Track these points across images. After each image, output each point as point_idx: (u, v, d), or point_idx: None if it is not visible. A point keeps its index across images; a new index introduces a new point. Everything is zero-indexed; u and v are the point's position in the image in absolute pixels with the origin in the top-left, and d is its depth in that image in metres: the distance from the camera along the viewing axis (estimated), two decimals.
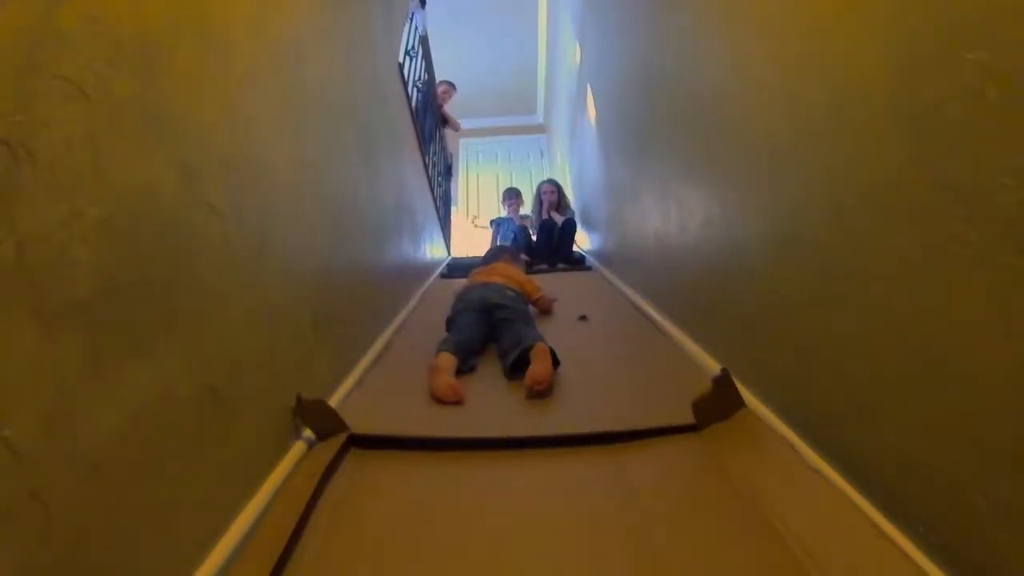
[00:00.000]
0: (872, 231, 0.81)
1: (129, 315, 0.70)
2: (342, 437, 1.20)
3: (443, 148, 5.33)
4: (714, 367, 1.39)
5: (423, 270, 3.37)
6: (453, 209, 6.08)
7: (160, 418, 0.74)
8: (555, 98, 6.36)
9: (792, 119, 1.04)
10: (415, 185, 3.33)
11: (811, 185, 0.98)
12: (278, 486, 1.02)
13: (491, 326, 1.97)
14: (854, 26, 0.83)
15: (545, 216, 4.62)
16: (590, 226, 4.23)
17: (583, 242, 4.57)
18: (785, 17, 1.05)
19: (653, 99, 2.12)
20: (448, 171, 5.53)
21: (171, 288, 0.79)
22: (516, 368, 1.65)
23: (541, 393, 1.50)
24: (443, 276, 3.79)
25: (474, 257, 4.55)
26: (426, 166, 3.94)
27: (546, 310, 2.46)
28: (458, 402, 1.48)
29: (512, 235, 4.87)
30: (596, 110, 3.58)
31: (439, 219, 4.54)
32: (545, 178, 5.23)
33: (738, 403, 1.23)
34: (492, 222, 5.56)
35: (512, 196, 5.47)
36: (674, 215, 1.87)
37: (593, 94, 3.65)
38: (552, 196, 4.70)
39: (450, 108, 5.61)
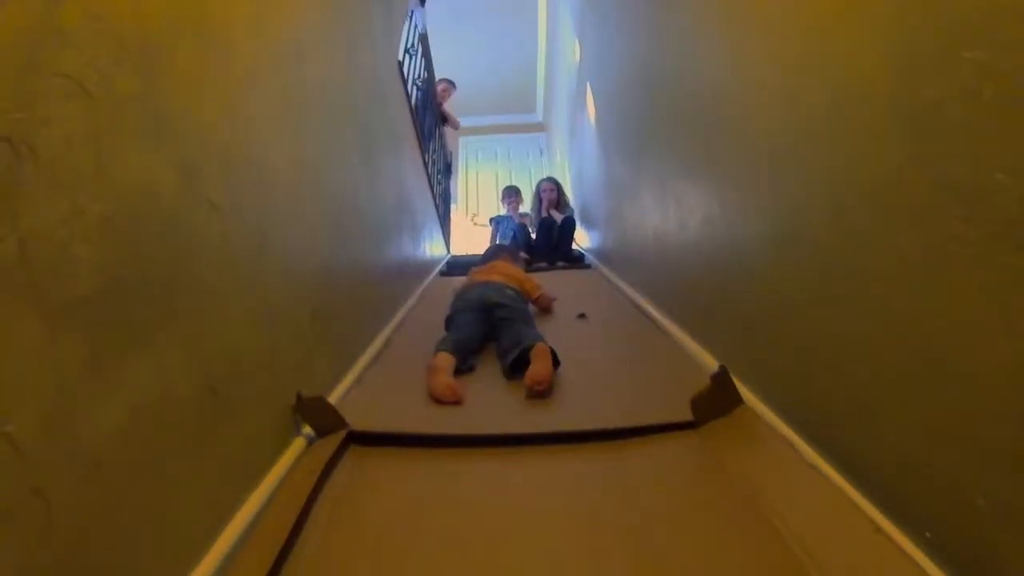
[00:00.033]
0: (872, 231, 0.81)
1: (130, 312, 0.70)
2: (342, 434, 1.20)
3: (443, 146, 5.33)
4: (713, 365, 1.39)
5: (423, 268, 3.37)
6: (452, 207, 6.08)
7: (161, 415, 0.74)
8: (555, 96, 6.36)
9: (792, 119, 1.04)
10: (415, 183, 3.33)
11: (811, 185, 0.98)
12: (278, 482, 1.02)
13: (490, 325, 1.95)
14: (854, 26, 0.83)
15: (544, 214, 4.63)
16: (589, 224, 4.23)
17: (582, 240, 4.57)
18: (785, 17, 1.05)
19: (653, 98, 2.12)
20: (448, 169, 5.53)
21: (171, 286, 0.79)
22: (516, 368, 1.64)
23: (541, 394, 1.49)
24: (442, 274, 3.80)
25: (474, 255, 4.55)
26: (426, 164, 3.94)
27: (546, 309, 2.45)
28: (457, 402, 1.47)
29: (511, 233, 4.87)
30: (596, 108, 3.58)
31: (439, 217, 4.55)
32: (544, 176, 5.23)
33: (736, 400, 1.23)
34: (491, 220, 5.56)
35: (511, 194, 5.47)
36: (673, 214, 1.87)
37: (593, 92, 3.65)
38: (551, 194, 4.70)
39: (450, 106, 5.61)
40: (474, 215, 7.11)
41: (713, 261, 1.51)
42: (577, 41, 4.21)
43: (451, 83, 5.57)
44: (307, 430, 1.21)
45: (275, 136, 1.22)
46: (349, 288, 1.74)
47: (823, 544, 0.81)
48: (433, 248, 3.99)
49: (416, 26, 3.95)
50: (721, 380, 1.23)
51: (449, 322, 2.05)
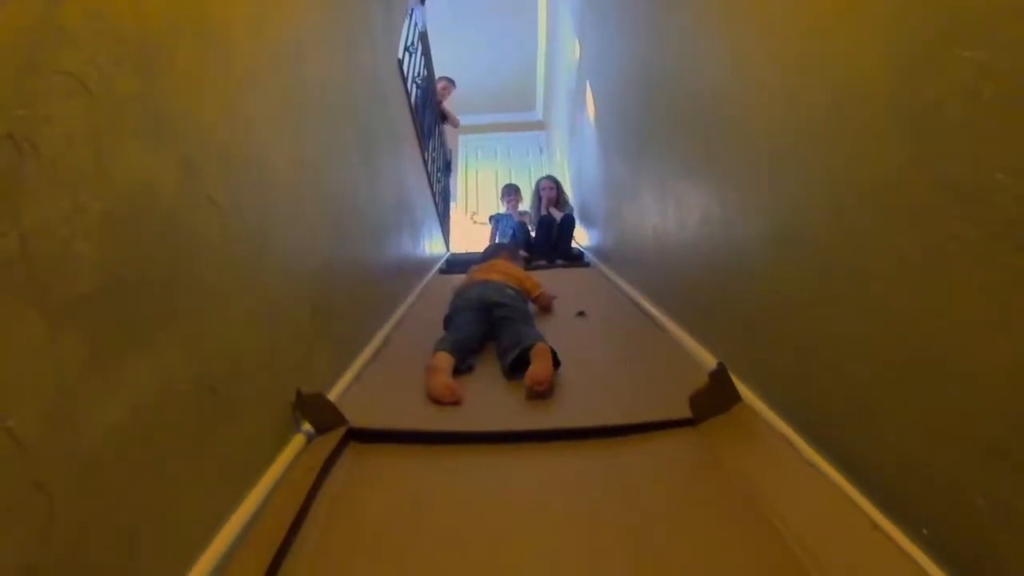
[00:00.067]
0: (871, 230, 0.81)
1: (130, 310, 0.70)
2: (341, 431, 1.20)
3: (442, 144, 5.33)
4: (711, 363, 1.39)
5: (422, 266, 3.38)
6: (452, 205, 6.09)
7: (161, 412, 0.74)
8: (554, 95, 6.36)
9: (792, 119, 1.04)
10: (414, 181, 3.33)
11: (811, 185, 0.98)
12: (278, 479, 1.02)
13: (490, 324, 1.94)
14: (854, 26, 0.84)
15: (544, 212, 4.63)
16: (589, 222, 4.23)
17: (582, 238, 4.57)
18: (785, 17, 1.05)
19: (652, 97, 2.13)
20: (447, 167, 5.53)
21: (172, 284, 0.80)
22: (515, 368, 1.62)
23: (541, 394, 1.47)
24: (442, 272, 3.80)
25: (473, 253, 4.56)
26: (425, 162, 3.94)
27: (546, 307, 2.43)
28: (456, 402, 1.46)
29: (511, 231, 4.87)
30: (595, 107, 3.58)
31: (438, 215, 4.55)
32: (544, 174, 5.23)
33: (734, 398, 1.23)
34: (491, 218, 5.57)
35: (511, 192, 5.46)
36: (673, 213, 1.87)
37: (592, 91, 3.65)
38: (551, 192, 4.70)
39: (449, 104, 5.61)
40: (474, 213, 7.11)
41: (712, 260, 1.51)
42: (577, 40, 4.21)
43: (451, 81, 5.57)
44: (307, 427, 1.21)
45: (275, 135, 1.22)
46: (349, 286, 1.74)
47: (821, 541, 0.82)
48: (432, 246, 3.99)
49: (416, 24, 3.94)
50: (719, 378, 1.23)
51: (448, 321, 2.03)
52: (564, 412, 1.39)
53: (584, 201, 4.42)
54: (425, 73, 4.34)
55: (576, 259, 4.27)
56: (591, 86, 3.69)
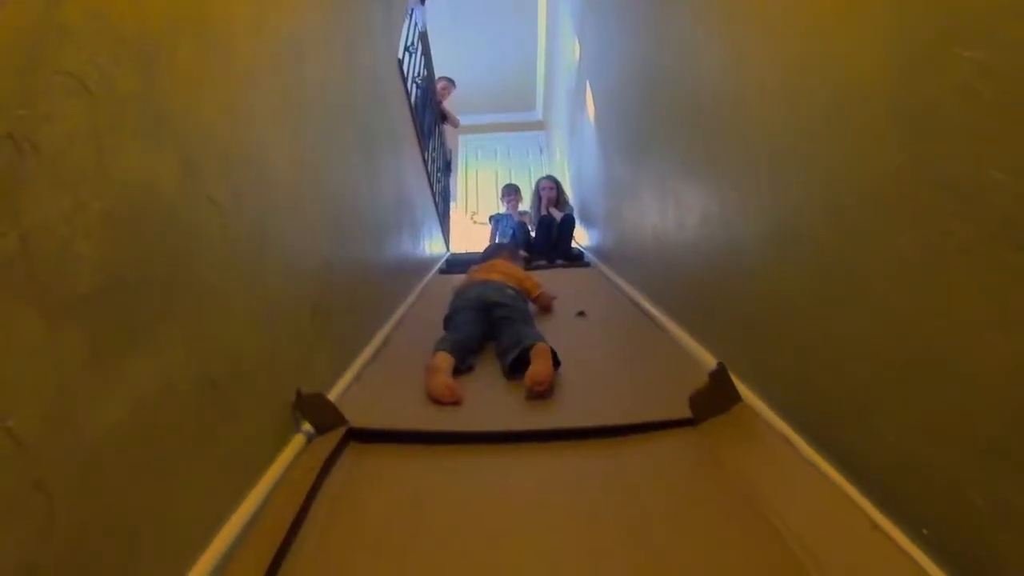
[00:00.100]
0: (871, 230, 0.81)
1: (131, 309, 0.70)
2: (341, 431, 1.20)
3: (442, 144, 5.33)
4: (711, 363, 1.39)
5: (422, 266, 3.38)
6: (452, 205, 6.08)
7: (161, 411, 0.74)
8: (554, 95, 6.36)
9: (791, 119, 1.04)
10: (414, 181, 3.33)
11: (810, 185, 0.98)
12: (278, 478, 1.03)
13: (490, 324, 1.93)
14: (853, 26, 0.84)
15: (544, 212, 4.63)
16: (589, 222, 4.23)
17: (581, 238, 4.57)
18: (785, 16, 1.05)
19: (652, 97, 2.13)
20: (447, 167, 5.53)
21: (172, 283, 0.80)
22: (515, 368, 1.61)
23: (541, 394, 1.47)
24: (442, 272, 3.80)
25: (473, 253, 4.56)
26: (425, 162, 3.94)
27: (546, 307, 2.43)
28: (455, 402, 1.46)
29: (511, 231, 4.87)
30: (595, 107, 3.58)
31: (438, 215, 4.55)
32: (544, 174, 5.23)
33: (734, 397, 1.23)
34: (491, 218, 5.57)
35: (511, 192, 5.47)
36: (673, 212, 1.87)
37: (592, 91, 3.65)
38: (551, 192, 4.70)
39: (449, 104, 5.61)
40: (473, 213, 7.11)
41: (712, 260, 1.51)
42: (577, 40, 4.21)
43: (451, 81, 5.57)
44: (306, 427, 1.21)
45: (275, 134, 1.22)
46: (349, 285, 1.74)
47: (821, 541, 0.82)
48: (432, 246, 3.99)
49: (416, 24, 3.94)
50: (719, 378, 1.23)
51: (448, 321, 2.03)
52: (564, 412, 1.39)
53: (584, 201, 4.42)
54: (425, 73, 4.34)
55: (576, 259, 4.27)
56: (591, 86, 3.69)
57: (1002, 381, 0.62)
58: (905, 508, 0.77)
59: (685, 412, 1.24)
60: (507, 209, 5.40)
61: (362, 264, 1.94)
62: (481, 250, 3.23)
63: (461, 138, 7.44)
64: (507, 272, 2.36)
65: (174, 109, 0.83)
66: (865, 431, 0.86)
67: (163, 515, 0.73)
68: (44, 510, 0.55)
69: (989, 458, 0.64)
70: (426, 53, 4.33)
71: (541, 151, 7.72)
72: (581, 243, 4.59)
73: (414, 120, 3.50)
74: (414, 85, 3.76)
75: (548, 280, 2.61)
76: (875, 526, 0.80)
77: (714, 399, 1.23)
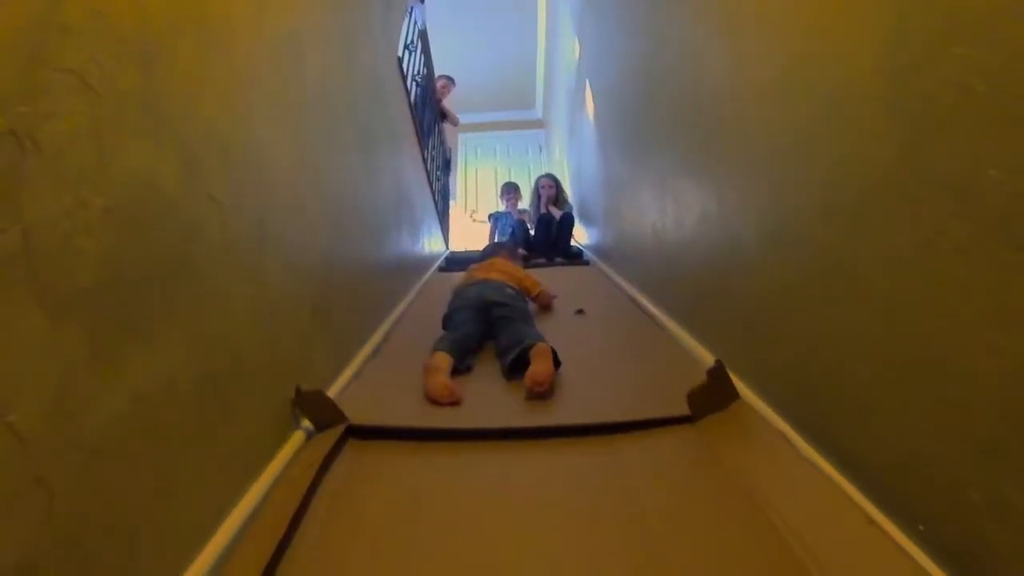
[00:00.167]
0: (869, 229, 0.82)
1: (132, 304, 0.71)
2: (340, 428, 1.21)
3: (442, 142, 5.32)
4: (709, 360, 1.40)
5: (421, 263, 3.38)
6: (451, 203, 6.08)
7: (162, 406, 0.75)
8: (554, 93, 6.36)
9: (790, 118, 1.04)
10: (414, 179, 3.33)
11: (808, 184, 0.99)
12: (278, 475, 1.03)
13: (489, 324, 1.92)
14: (852, 25, 0.84)
15: (543, 210, 4.62)
16: (588, 221, 4.24)
17: (581, 236, 4.57)
18: (784, 16, 1.05)
19: (652, 96, 2.13)
20: (447, 165, 5.53)
21: (172, 280, 0.80)
22: (515, 368, 1.59)
23: (542, 395, 1.45)
24: (441, 270, 3.80)
25: (472, 251, 4.56)
26: (425, 160, 3.95)
27: (546, 306, 2.42)
28: (454, 403, 1.44)
29: (510, 229, 4.87)
30: (595, 106, 3.58)
31: (437, 213, 4.55)
32: (543, 173, 5.23)
33: (732, 395, 1.24)
34: (490, 216, 5.56)
35: (510, 191, 5.46)
36: (671, 211, 1.88)
37: (592, 90, 3.66)
38: (550, 190, 4.70)
39: (449, 102, 5.61)
40: (473, 211, 7.10)
41: (711, 258, 1.52)
42: (576, 38, 4.21)
43: (450, 79, 5.56)
44: (306, 424, 1.22)
45: (275, 132, 1.23)
46: (348, 283, 1.74)
47: (818, 536, 0.82)
48: (432, 244, 4.00)
49: (416, 22, 3.95)
50: (717, 375, 1.24)
51: (447, 321, 2.01)
52: (563, 409, 1.40)
53: (583, 199, 4.43)
54: (425, 71, 4.34)
55: (575, 257, 4.27)
56: (590, 84, 3.69)
57: (999, 379, 0.62)
58: (901, 504, 0.78)
59: (683, 409, 1.24)
60: (506, 207, 5.40)
61: (362, 262, 1.95)
62: (480, 248, 3.22)
63: (461, 136, 7.44)
64: (506, 271, 2.35)
65: (174, 107, 0.84)
66: (862, 428, 0.86)
67: (163, 510, 0.73)
68: (44, 505, 0.55)
69: (986, 455, 0.64)
70: (426, 51, 4.34)
71: (540, 149, 7.72)
72: (580, 241, 4.59)
73: (414, 118, 3.51)
74: (414, 83, 3.76)
75: (547, 278, 2.62)
76: (872, 522, 0.81)
77: (712, 396, 1.24)
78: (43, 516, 0.55)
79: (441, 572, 0.85)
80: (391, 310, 2.34)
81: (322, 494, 1.03)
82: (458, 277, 2.58)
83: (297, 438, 1.16)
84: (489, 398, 1.51)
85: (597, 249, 3.78)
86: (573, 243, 4.56)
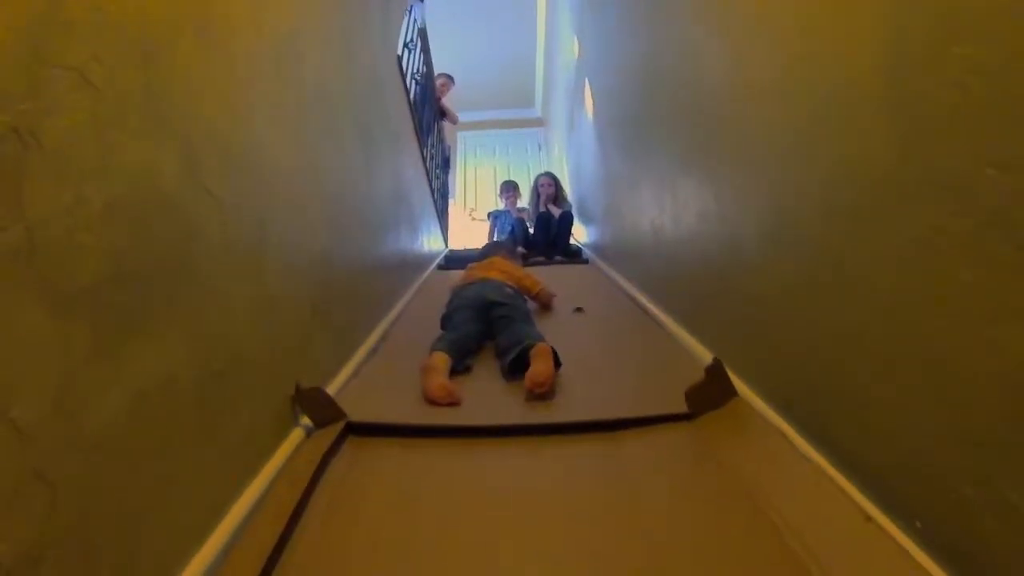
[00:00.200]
0: (867, 227, 0.82)
1: (132, 302, 0.71)
2: (340, 425, 1.21)
3: (441, 141, 5.32)
4: (708, 358, 1.40)
5: (421, 261, 3.38)
6: (450, 201, 6.08)
7: (163, 402, 0.75)
8: (553, 92, 6.35)
9: (789, 117, 1.04)
10: (413, 177, 3.34)
11: (808, 183, 0.99)
12: (278, 470, 1.03)
13: (488, 324, 1.90)
14: (850, 24, 0.84)
15: (542, 209, 4.62)
16: (587, 219, 4.24)
17: (580, 235, 4.58)
18: (783, 15, 1.05)
19: (651, 95, 2.13)
20: (446, 163, 5.53)
21: (173, 277, 0.80)
22: (515, 368, 1.58)
23: (542, 396, 1.43)
24: (440, 268, 3.81)
25: (471, 249, 4.56)
26: (424, 158, 3.95)
27: (546, 304, 2.41)
28: (453, 403, 1.42)
29: (509, 228, 4.87)
30: (594, 104, 3.58)
31: (437, 211, 4.55)
32: (542, 171, 5.23)
33: (730, 392, 1.24)
34: (489, 215, 5.56)
35: (509, 189, 5.46)
36: (670, 209, 1.88)
37: (591, 88, 3.65)
38: (549, 189, 4.70)
39: (448, 101, 5.60)
40: (472, 210, 7.10)
41: (709, 256, 1.52)
42: (576, 37, 4.21)
43: (450, 78, 5.56)
44: (305, 421, 1.22)
45: (274, 131, 1.23)
46: (348, 281, 1.75)
47: (816, 532, 0.83)
48: (431, 242, 4.00)
49: (415, 21, 3.94)
50: (715, 373, 1.24)
51: (445, 321, 2.00)
52: (562, 406, 1.40)
53: (582, 198, 4.43)
54: (424, 69, 4.34)
55: (574, 255, 4.27)
56: (590, 83, 3.69)
57: (998, 378, 0.62)
58: (899, 502, 0.78)
59: (682, 407, 1.25)
60: (505, 206, 5.40)
61: (361, 260, 1.95)
62: (479, 246, 3.22)
63: (460, 135, 7.44)
64: (505, 270, 2.34)
65: (175, 105, 0.84)
66: (861, 427, 0.87)
67: (165, 505, 0.74)
68: (46, 500, 0.55)
69: (983, 454, 0.64)
70: (425, 50, 4.33)
71: (540, 148, 7.72)
72: (579, 240, 4.59)
73: (413, 117, 3.51)
74: (413, 81, 3.76)
75: (546, 276, 2.62)
76: (869, 518, 0.81)
77: (710, 394, 1.24)
78: (47, 510, 0.55)
79: (440, 566, 0.86)
80: (390, 308, 2.34)
81: (323, 489, 1.03)
82: (457, 275, 2.57)
83: (297, 435, 1.16)
84: (488, 398, 1.50)
85: (596, 247, 3.78)
86: (572, 242, 4.56)
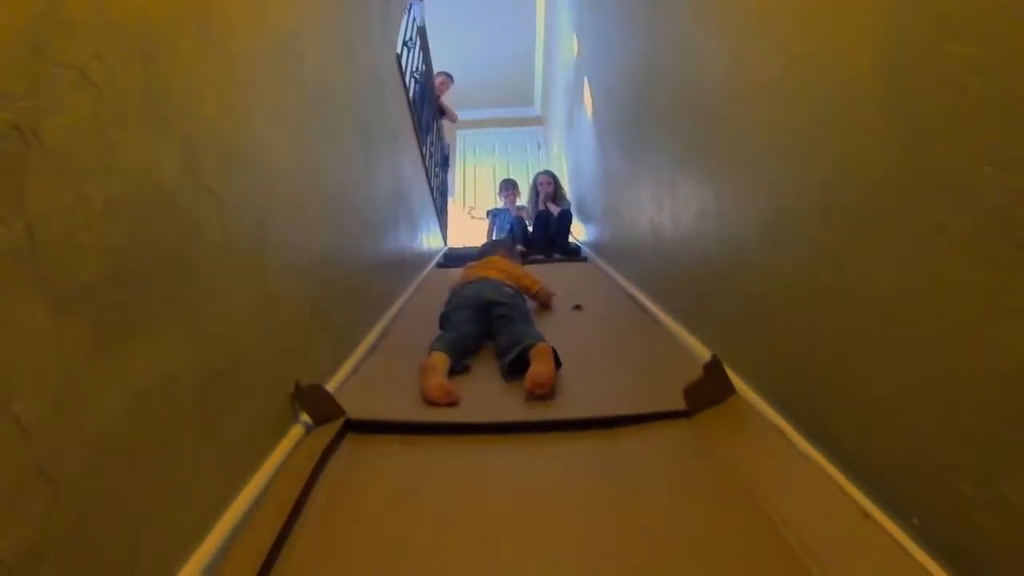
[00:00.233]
0: (866, 226, 0.82)
1: (133, 300, 0.71)
2: (339, 422, 1.21)
3: (440, 139, 5.32)
4: (706, 355, 1.40)
5: (420, 259, 3.38)
6: (450, 200, 6.08)
7: (163, 401, 0.75)
8: (552, 90, 6.36)
9: (788, 116, 1.05)
10: (412, 176, 3.34)
11: (807, 183, 0.99)
12: (277, 467, 1.04)
13: (487, 323, 1.88)
14: (849, 24, 0.84)
15: (541, 207, 4.62)
16: (586, 217, 4.24)
17: (578, 233, 4.58)
18: (783, 15, 1.05)
19: (651, 94, 2.13)
20: (445, 162, 5.53)
21: (173, 275, 0.81)
22: (515, 368, 1.56)
23: (542, 397, 1.41)
24: (439, 266, 3.81)
25: (470, 247, 4.56)
26: (423, 157, 3.95)
27: (545, 303, 2.39)
28: (452, 403, 1.41)
29: (509, 226, 4.87)
30: (593, 103, 3.58)
31: (436, 209, 4.55)
32: (542, 170, 5.23)
33: (729, 389, 1.25)
34: (489, 213, 5.56)
35: (508, 187, 5.46)
36: (669, 208, 1.88)
37: (591, 87, 3.65)
38: (548, 187, 4.70)
39: (448, 99, 5.60)
40: (471, 208, 7.10)
41: (707, 254, 1.52)
42: (575, 35, 4.21)
43: (449, 76, 5.55)
44: (305, 418, 1.22)
45: (274, 131, 1.23)
46: (348, 280, 1.75)
47: (813, 529, 0.83)
48: (430, 240, 4.00)
49: (414, 19, 3.95)
50: (714, 370, 1.24)
51: (444, 320, 1.97)
52: (561, 403, 1.40)
53: (581, 196, 4.43)
54: (423, 68, 4.34)
55: (573, 254, 4.28)
56: (589, 82, 3.69)
57: (994, 375, 0.62)
58: (896, 499, 0.79)
59: (680, 404, 1.25)
60: (505, 204, 5.40)
61: (361, 259, 1.95)
62: (478, 244, 3.22)
63: (459, 133, 7.44)
64: (504, 269, 2.32)
65: (175, 104, 0.84)
66: (858, 424, 0.87)
67: (165, 501, 0.74)
68: (48, 497, 0.56)
69: (981, 452, 0.65)
70: (424, 48, 4.33)
71: (539, 146, 7.72)
72: (578, 238, 4.59)
73: (412, 115, 3.51)
74: (412, 80, 3.76)
75: (545, 274, 2.62)
76: (866, 515, 0.81)
77: (709, 391, 1.24)
78: (48, 507, 0.55)
79: (439, 563, 0.86)
80: (390, 306, 2.34)
81: (322, 485, 1.03)
82: (456, 273, 2.55)
83: (296, 432, 1.16)
84: (487, 398, 1.49)
85: (595, 246, 3.78)
86: (571, 240, 4.56)
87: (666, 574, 0.81)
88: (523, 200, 5.30)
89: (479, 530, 0.92)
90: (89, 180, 0.64)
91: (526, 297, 2.28)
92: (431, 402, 1.42)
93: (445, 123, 5.62)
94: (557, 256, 4.23)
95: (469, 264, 2.49)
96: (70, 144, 0.62)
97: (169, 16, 0.84)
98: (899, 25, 0.73)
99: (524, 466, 1.12)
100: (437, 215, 4.62)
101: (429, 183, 4.20)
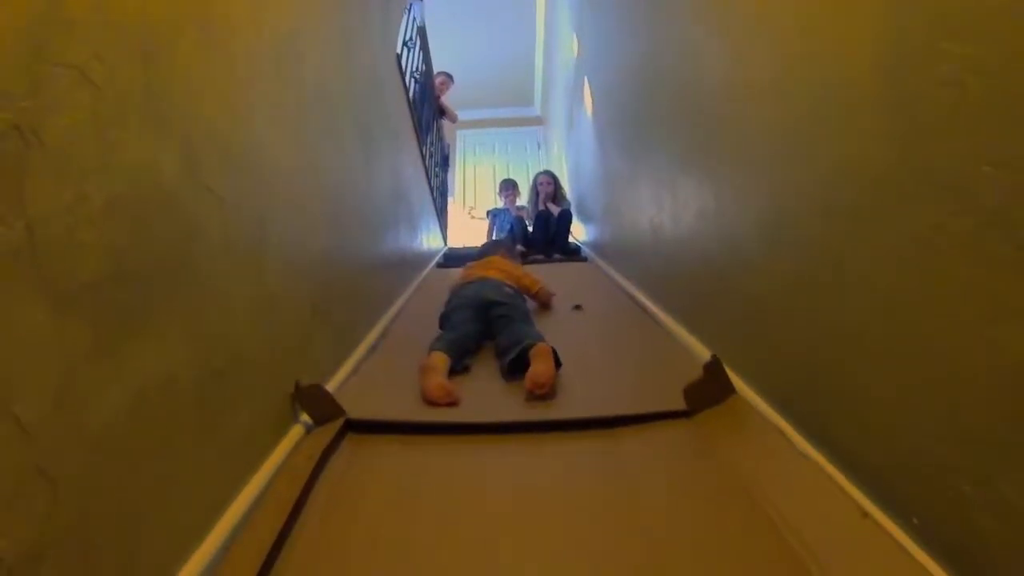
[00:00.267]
0: (865, 225, 0.82)
1: (133, 300, 0.71)
2: (339, 421, 1.21)
3: (440, 139, 5.32)
4: (706, 355, 1.40)
5: (420, 259, 3.38)
6: (450, 200, 6.08)
7: (163, 401, 0.75)
8: (552, 90, 6.36)
9: (788, 116, 1.05)
10: (412, 176, 3.34)
11: (806, 183, 0.99)
12: (277, 467, 1.04)
13: (487, 323, 1.88)
14: (849, 23, 0.84)
15: (541, 207, 4.62)
16: (586, 217, 4.24)
17: (578, 233, 4.58)
18: (783, 15, 1.05)
19: (651, 94, 2.13)
20: (445, 162, 5.53)
21: (173, 274, 0.81)
22: (515, 369, 1.56)
23: (543, 397, 1.41)
24: (439, 266, 3.81)
25: (470, 247, 4.56)
26: (423, 156, 3.95)
27: (545, 303, 2.39)
28: (452, 403, 1.41)
29: (508, 226, 4.87)
30: (593, 102, 3.58)
31: (436, 209, 4.55)
32: (541, 169, 5.23)
33: (729, 389, 1.25)
34: (488, 213, 5.56)
35: (508, 187, 5.46)
36: (669, 208, 1.88)
37: (590, 86, 3.66)
38: (548, 187, 4.70)
39: (447, 99, 5.60)
40: (471, 208, 7.10)
41: (707, 254, 1.52)
42: (575, 35, 4.21)
43: (449, 76, 5.55)
44: (305, 418, 1.22)
45: (274, 129, 1.23)
46: (348, 280, 1.75)
47: (813, 529, 0.83)
48: (430, 240, 4.00)
49: (414, 19, 3.95)
50: (714, 370, 1.24)
51: (444, 320, 1.97)
52: (561, 403, 1.40)
53: (581, 196, 4.43)
54: (423, 68, 4.34)
55: (573, 254, 4.28)
56: (589, 82, 3.69)
57: (994, 375, 0.62)
58: (896, 498, 0.79)
59: (680, 404, 1.25)
60: (504, 204, 5.40)
61: (361, 259, 1.95)
62: (478, 244, 3.21)
63: (459, 133, 7.44)
64: (504, 269, 2.32)
65: (175, 104, 0.84)
66: (858, 423, 0.87)
67: (165, 501, 0.74)
68: (48, 496, 0.56)
69: (980, 451, 0.65)
70: (424, 48, 4.33)
71: (539, 146, 7.72)
72: (578, 238, 4.59)
73: (412, 115, 3.51)
74: (412, 80, 3.76)
75: (545, 274, 2.62)
76: (866, 515, 0.81)
77: (709, 391, 1.24)
78: (48, 507, 0.55)
79: (439, 563, 0.86)
80: (390, 305, 2.34)
81: (322, 485, 1.03)
82: (456, 273, 2.55)
83: (296, 432, 1.16)
84: (487, 398, 1.49)
85: (595, 245, 3.78)
86: (571, 239, 4.56)
87: (666, 574, 0.81)
88: (523, 200, 5.30)
89: (479, 530, 0.92)
90: (89, 180, 0.64)
91: (526, 297, 2.27)
92: (431, 402, 1.42)
93: (445, 123, 5.62)
94: (557, 256, 4.24)
95: (469, 264, 2.49)
96: (70, 144, 0.62)
97: (169, 16, 0.84)
98: (898, 25, 0.73)
99: (524, 466, 1.12)
100: (437, 215, 4.62)
101: (429, 183, 4.20)
